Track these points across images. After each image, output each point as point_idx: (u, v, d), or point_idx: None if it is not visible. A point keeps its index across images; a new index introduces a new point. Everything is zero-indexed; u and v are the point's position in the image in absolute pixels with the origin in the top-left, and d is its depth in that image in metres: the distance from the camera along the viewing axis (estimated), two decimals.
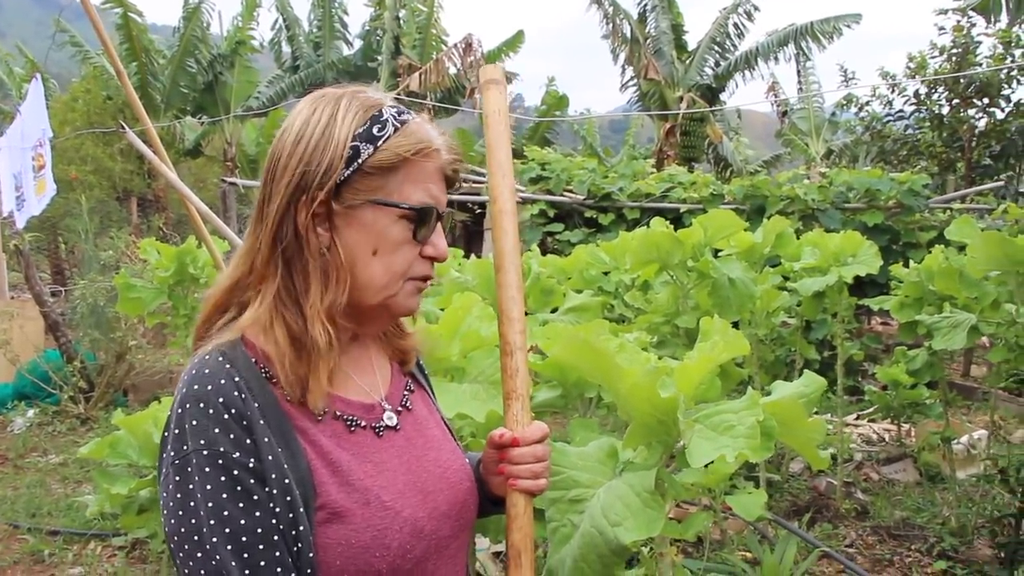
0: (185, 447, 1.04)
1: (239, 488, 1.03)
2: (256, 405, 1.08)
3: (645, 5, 17.69)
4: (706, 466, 1.59)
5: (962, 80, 11.53)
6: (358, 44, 16.91)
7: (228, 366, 1.09)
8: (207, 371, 1.08)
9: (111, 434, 3.45)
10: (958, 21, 11.54)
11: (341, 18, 16.89)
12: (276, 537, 1.03)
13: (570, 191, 9.95)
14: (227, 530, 1.02)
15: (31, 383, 7.86)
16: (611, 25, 17.13)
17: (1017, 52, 11.42)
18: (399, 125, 1.14)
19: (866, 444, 6.21)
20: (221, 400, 1.05)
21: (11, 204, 5.39)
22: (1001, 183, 10.70)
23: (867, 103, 12.97)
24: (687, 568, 3.59)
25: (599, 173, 10.26)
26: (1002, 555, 3.91)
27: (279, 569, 1.03)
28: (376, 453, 1.18)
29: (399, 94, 14.65)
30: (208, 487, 1.02)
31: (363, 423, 1.19)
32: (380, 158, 1.12)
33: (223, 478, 1.03)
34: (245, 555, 1.02)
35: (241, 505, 1.03)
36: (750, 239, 4.28)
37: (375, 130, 1.13)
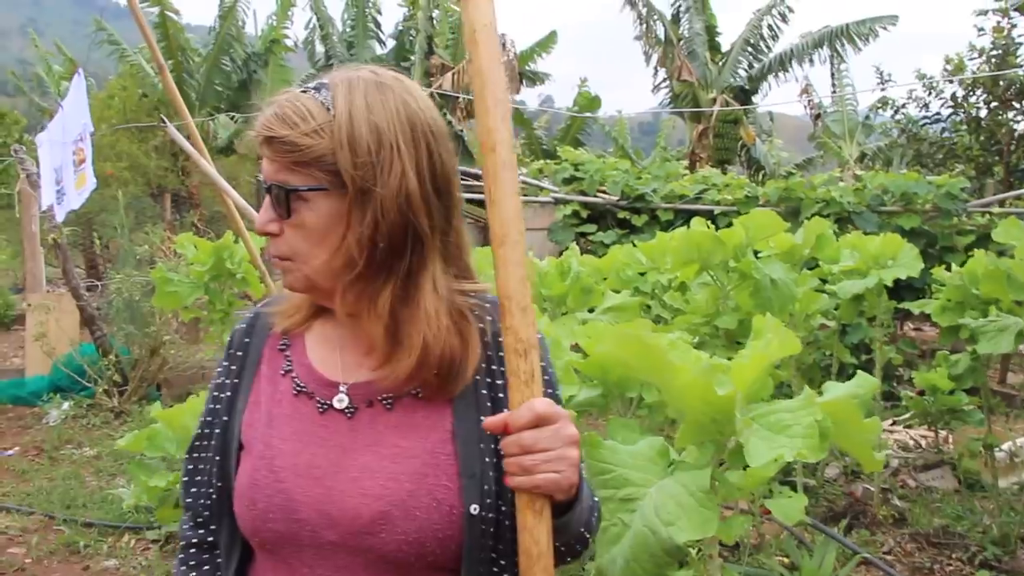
0: None
1: (209, 394, 1.30)
2: (247, 340, 1.28)
3: (679, 6, 17.61)
4: (746, 468, 1.57)
5: (1001, 82, 11.37)
6: (391, 44, 17.01)
7: (252, 315, 1.33)
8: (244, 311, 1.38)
9: (148, 427, 3.49)
10: (998, 22, 11.39)
11: (375, 17, 16.93)
12: (212, 441, 1.26)
13: (603, 192, 9.92)
14: (199, 419, 1.30)
15: (66, 376, 7.94)
16: (644, 26, 17.07)
17: None
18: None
19: (902, 450, 6.12)
20: (232, 332, 1.32)
21: (51, 198, 5.45)
22: None
23: (903, 106, 12.84)
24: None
25: (632, 174, 10.21)
26: None
27: (207, 466, 1.27)
28: (308, 425, 1.18)
29: (432, 94, 14.69)
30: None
31: (307, 390, 1.21)
32: None
33: (217, 368, 1.31)
34: (195, 436, 1.31)
35: (205, 395, 1.31)
36: (790, 240, 4.23)
37: None
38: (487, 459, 1.15)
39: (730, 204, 9.33)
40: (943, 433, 6.13)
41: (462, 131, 15.70)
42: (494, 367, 1.20)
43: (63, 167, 5.41)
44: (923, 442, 6.30)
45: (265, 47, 15.63)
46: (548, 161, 12.02)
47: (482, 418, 1.14)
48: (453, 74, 14.55)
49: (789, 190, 9.32)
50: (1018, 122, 11.76)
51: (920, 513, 4.83)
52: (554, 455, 1.03)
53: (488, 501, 1.13)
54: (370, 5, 16.74)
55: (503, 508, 1.15)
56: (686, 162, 14.78)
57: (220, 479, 1.22)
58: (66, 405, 7.66)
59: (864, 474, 5.43)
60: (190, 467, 1.31)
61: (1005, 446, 5.35)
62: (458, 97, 15.18)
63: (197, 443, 1.30)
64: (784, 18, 17.35)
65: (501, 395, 1.18)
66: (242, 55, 15.62)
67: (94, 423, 7.40)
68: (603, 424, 2.76)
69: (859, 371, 1.90)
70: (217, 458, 1.23)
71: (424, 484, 1.13)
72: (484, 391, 1.19)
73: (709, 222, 3.96)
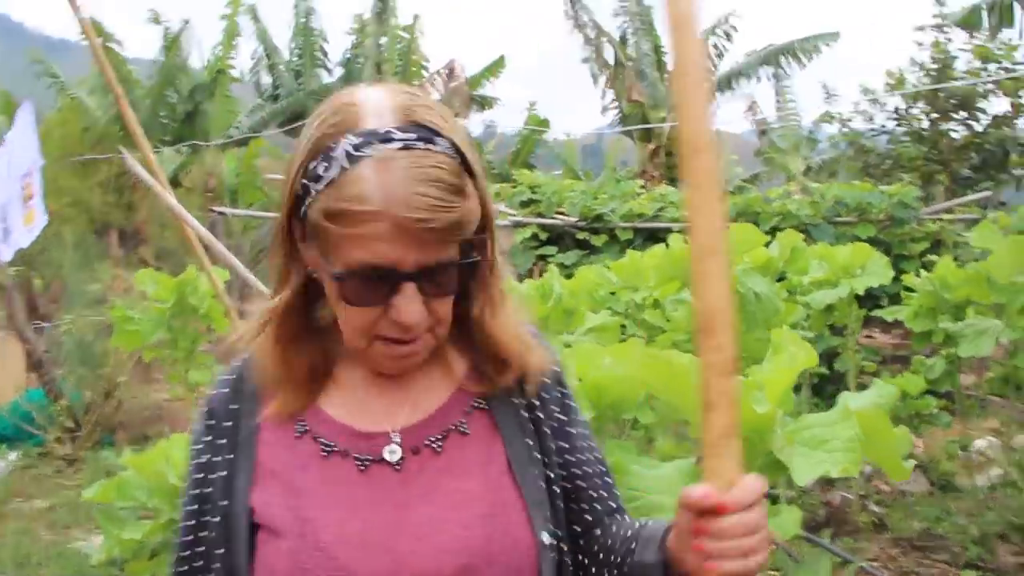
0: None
1: (190, 468, 1.09)
2: (235, 408, 1.08)
3: (626, 28, 17.80)
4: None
5: (941, 94, 11.67)
6: (339, 72, 16.93)
7: (231, 376, 1.12)
8: (221, 372, 1.14)
9: (117, 475, 3.33)
10: (936, 37, 11.71)
11: (322, 46, 16.85)
12: (210, 533, 1.05)
13: (562, 213, 9.94)
14: (185, 510, 1.09)
15: (12, 424, 7.61)
16: (593, 48, 17.22)
17: (992, 66, 11.58)
18: (347, 165, 0.91)
19: None
20: (208, 399, 1.11)
21: None
22: (988, 193, 10.79)
23: (849, 119, 13.11)
24: None
25: (589, 194, 10.26)
26: None
27: (206, 563, 1.06)
28: (347, 487, 1.02)
29: None
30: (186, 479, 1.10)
31: (339, 449, 1.04)
32: (312, 209, 0.94)
33: (190, 455, 1.10)
34: (183, 536, 1.09)
35: (184, 485, 1.10)
36: (766, 254, 4.24)
37: (321, 169, 0.93)
38: (541, 484, 1.09)
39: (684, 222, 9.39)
40: (913, 437, 6.20)
41: None
42: (527, 386, 1.12)
43: (9, 203, 5.22)
44: None
45: (211, 77, 15.44)
46: (504, 184, 12.02)
47: (529, 441, 1.10)
48: None
49: (746, 205, 9.42)
50: (958, 132, 12.06)
51: (899, 518, 4.85)
52: (766, 536, 0.89)
53: (551, 527, 1.08)
54: (316, 34, 16.66)
55: (561, 533, 1.09)
56: (642, 181, 14.90)
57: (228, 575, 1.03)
58: (13, 455, 7.34)
59: (840, 482, 5.45)
60: (183, 569, 1.08)
61: (976, 445, 5.42)
62: None
63: (189, 540, 1.07)
64: (729, 37, 17.64)
65: (540, 415, 1.13)
66: (187, 86, 15.41)
67: (45, 472, 7.09)
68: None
69: (875, 380, 1.88)
70: (220, 551, 1.04)
71: (498, 525, 1.04)
72: (525, 413, 1.12)
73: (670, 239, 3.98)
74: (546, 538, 1.06)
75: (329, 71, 17.09)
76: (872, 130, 12.86)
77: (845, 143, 13.26)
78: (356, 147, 0.91)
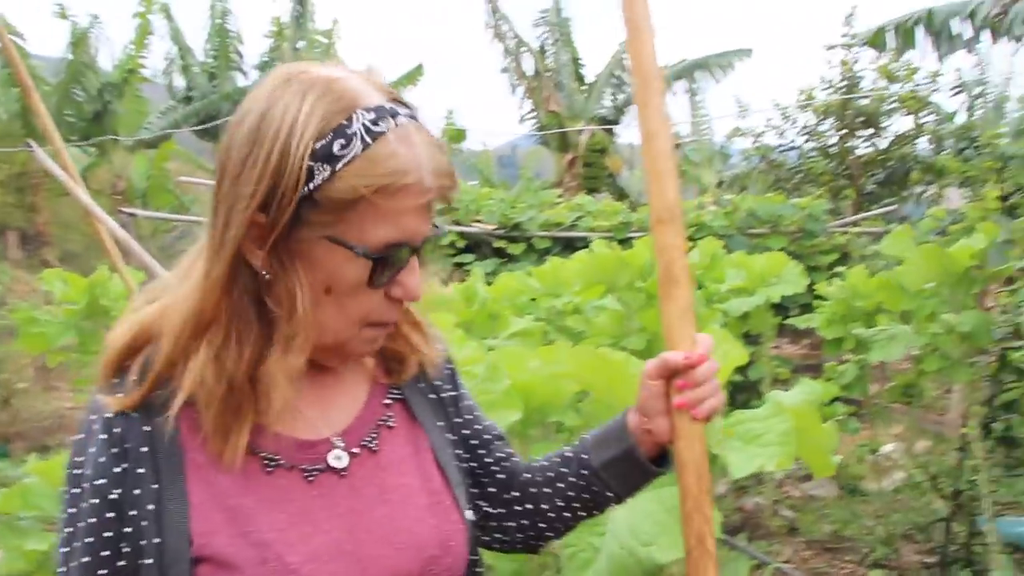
0: (73, 459, 0.96)
1: (92, 520, 0.92)
2: (148, 429, 0.94)
3: (545, 39, 17.95)
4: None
5: (848, 112, 12.08)
6: (255, 75, 16.61)
7: (132, 377, 0.97)
8: (116, 380, 0.98)
9: (20, 483, 3.19)
10: (844, 56, 12.12)
11: (237, 48, 16.48)
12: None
13: (479, 221, 9.94)
14: (83, 560, 0.93)
15: None
16: (512, 58, 17.30)
17: (896, 86, 12.06)
18: (369, 141, 0.88)
19: None
20: (105, 421, 0.94)
21: None
22: (892, 208, 11.22)
23: (761, 134, 13.45)
24: None
25: (507, 203, 10.29)
26: (930, 560, 4.03)
27: None
28: (296, 501, 0.97)
29: None
30: (72, 510, 0.94)
31: (283, 462, 0.98)
32: (336, 188, 0.88)
33: (82, 504, 0.93)
34: None
35: (89, 540, 0.93)
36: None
37: (336, 146, 0.88)
38: (457, 464, 1.13)
39: (605, 230, 9.51)
40: None
41: None
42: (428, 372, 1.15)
43: None
44: None
45: (121, 77, 14.96)
46: None
47: (440, 423, 1.13)
48: None
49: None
50: (865, 148, 12.50)
51: (809, 521, 4.99)
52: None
53: (469, 505, 1.11)
54: (232, 36, 16.32)
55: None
56: (559, 190, 15.04)
57: None
58: None
59: (752, 488, 5.58)
60: None
61: (883, 450, 5.62)
62: None
63: None
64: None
65: (443, 395, 1.16)
66: (96, 85, 14.89)
67: None
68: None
69: (801, 378, 1.92)
70: None
71: (440, 513, 1.06)
72: (432, 396, 1.15)
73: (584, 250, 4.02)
74: (470, 515, 1.09)
75: (245, 74, 16.74)
76: (783, 145, 13.22)
77: (757, 157, 13.60)
78: (373, 122, 0.89)
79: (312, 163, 0.87)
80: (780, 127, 13.10)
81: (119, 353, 0.98)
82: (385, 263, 0.93)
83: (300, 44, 15.67)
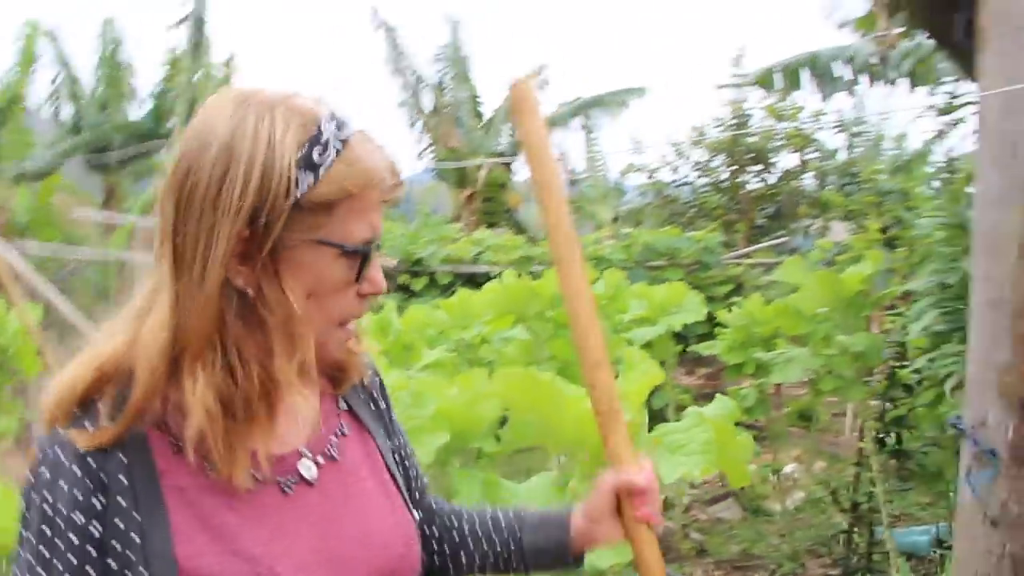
0: (34, 498, 0.93)
1: (71, 557, 0.91)
2: (124, 459, 0.93)
3: (443, 75, 18.13)
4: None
5: (739, 148, 12.60)
6: (148, 106, 16.20)
7: (104, 410, 0.94)
8: (78, 414, 0.95)
9: None
10: (733, 96, 12.67)
11: (130, 79, 16.12)
12: None
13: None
14: None
15: None
16: (411, 93, 17.40)
17: (783, 125, 12.66)
18: (340, 147, 0.95)
19: (691, 487, 6.50)
20: (75, 453, 0.92)
21: None
22: (782, 240, 11.72)
23: (656, 170, 13.87)
24: None
25: (408, 238, 10.32)
26: (834, 572, 4.22)
27: None
28: (278, 514, 0.99)
29: None
30: (43, 550, 0.91)
31: (260, 477, 0.99)
32: (322, 192, 0.94)
33: (57, 542, 0.91)
34: None
35: (88, 572, 0.91)
36: (592, 291, 4.44)
37: (315, 154, 0.93)
38: (399, 466, 1.19)
39: (506, 264, 9.64)
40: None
41: None
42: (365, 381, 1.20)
43: None
44: (706, 478, 6.73)
45: (4, 104, 14.39)
46: None
47: (381, 430, 1.18)
48: None
49: None
50: (755, 184, 13.03)
51: (718, 543, 5.14)
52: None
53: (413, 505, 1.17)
54: (125, 65, 15.92)
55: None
56: (460, 225, 15.13)
57: None
58: None
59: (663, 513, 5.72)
60: None
61: (784, 471, 5.84)
62: None
63: None
64: (542, 88, 18.28)
65: (379, 404, 1.21)
66: None
67: None
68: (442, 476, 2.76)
69: (717, 395, 2.02)
70: None
71: (398, 512, 1.11)
72: (371, 405, 1.20)
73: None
74: (416, 515, 1.15)
75: (138, 105, 16.36)
76: (676, 181, 13.66)
77: (652, 192, 14.00)
78: (338, 129, 0.96)
79: (297, 172, 0.92)
80: (674, 163, 13.54)
81: (83, 390, 0.95)
82: (365, 258, 0.99)
83: (196, 76, 15.38)
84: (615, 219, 19.04)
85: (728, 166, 12.96)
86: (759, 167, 12.83)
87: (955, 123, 3.36)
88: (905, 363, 3.92)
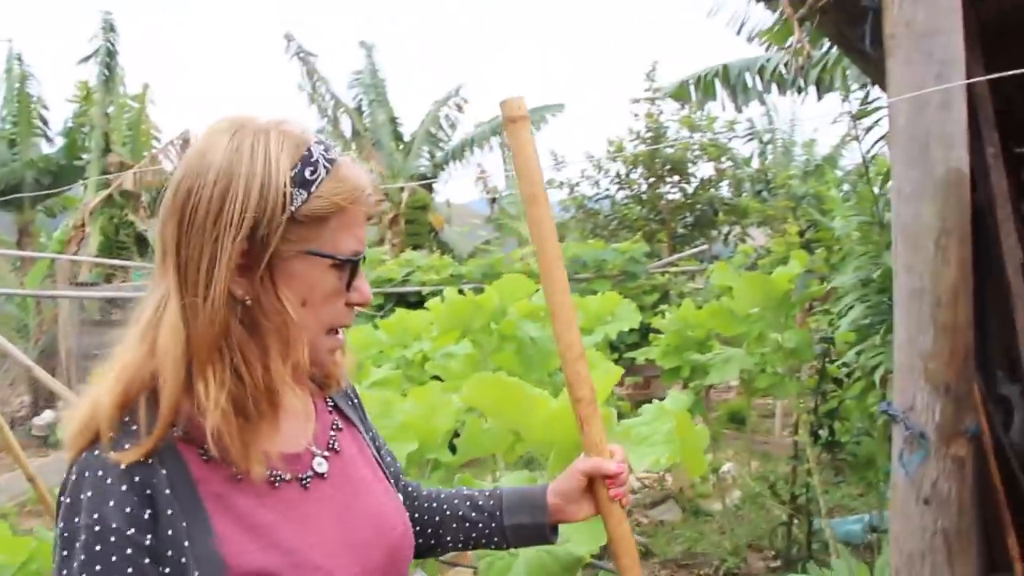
0: (76, 519, 0.97)
1: (129, 571, 0.95)
2: (164, 472, 0.99)
3: (360, 99, 18.13)
4: None
5: (656, 160, 12.89)
6: (60, 141, 15.78)
7: (135, 427, 1.00)
8: (111, 434, 0.99)
9: None
10: (648, 109, 12.96)
11: (40, 113, 15.62)
12: None
13: None
14: None
15: None
16: (329, 119, 17.35)
17: (697, 135, 13.00)
18: (329, 167, 1.06)
19: (632, 492, 6.63)
20: (122, 466, 0.97)
21: None
22: (704, 247, 12.02)
23: (576, 184, 14.08)
24: None
25: None
26: (775, 564, 4.37)
27: None
28: (303, 508, 1.08)
29: (111, 193, 13.86)
30: (97, 567, 0.95)
31: (287, 476, 1.09)
32: (315, 206, 1.04)
33: (113, 558, 0.95)
34: None
35: None
36: (529, 303, 4.53)
37: (307, 173, 1.04)
38: (382, 457, 1.29)
39: (436, 283, 9.69)
40: (661, 473, 6.76)
41: (146, 230, 14.91)
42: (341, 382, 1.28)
43: None
44: (646, 481, 6.88)
45: None
46: None
47: (361, 425, 1.29)
48: (135, 173, 13.82)
49: (491, 266, 9.90)
50: (673, 194, 13.33)
51: (662, 543, 5.27)
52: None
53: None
54: (35, 100, 15.49)
55: None
56: (386, 247, 15.11)
57: None
58: None
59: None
60: None
61: (724, 469, 6.01)
62: (140, 195, 14.44)
63: None
64: (460, 108, 18.43)
65: (356, 403, 1.32)
66: None
67: None
68: None
69: (670, 391, 2.13)
70: None
71: (392, 495, 1.23)
72: (350, 403, 1.30)
73: (418, 304, 4.19)
74: (400, 499, 1.26)
75: (50, 140, 15.90)
76: (597, 194, 13.87)
77: (574, 207, 14.20)
78: (326, 150, 1.07)
79: (291, 189, 1.02)
80: (593, 177, 13.77)
81: (117, 410, 1.01)
82: (354, 269, 1.09)
83: (110, 109, 15.06)
84: None
85: (647, 178, 13.24)
86: (677, 178, 13.14)
87: (869, 128, 3.55)
88: (833, 358, 4.10)
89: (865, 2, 2.92)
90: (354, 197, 1.07)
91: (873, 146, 3.67)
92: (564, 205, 14.32)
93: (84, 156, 15.36)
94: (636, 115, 13.12)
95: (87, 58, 15.18)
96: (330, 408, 1.24)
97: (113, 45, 15.21)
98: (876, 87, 3.68)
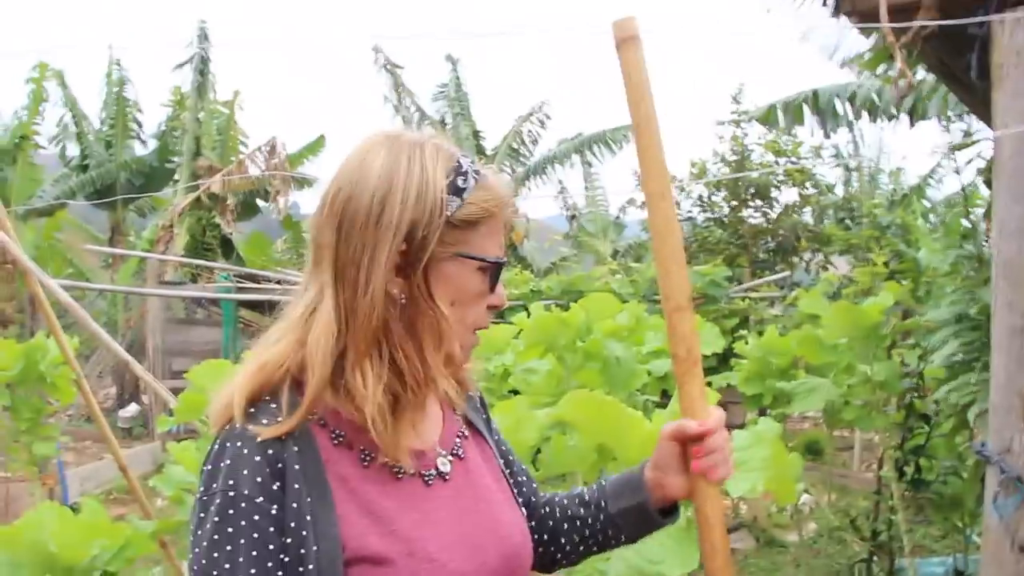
0: (214, 485, 1.05)
1: (255, 535, 1.03)
2: (296, 449, 1.07)
3: (445, 113, 18.35)
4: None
5: (740, 183, 12.75)
6: (153, 144, 16.33)
7: (274, 406, 1.09)
8: (252, 411, 1.09)
9: None
10: (734, 132, 12.84)
11: (135, 117, 16.17)
12: None
13: None
14: (251, 573, 1.02)
15: None
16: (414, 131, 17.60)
17: (782, 160, 12.84)
18: (477, 177, 1.14)
19: None
20: (259, 439, 1.06)
21: None
22: (786, 274, 11.85)
23: None
24: None
25: None
26: None
27: None
28: (424, 502, 1.14)
29: (200, 196, 14.28)
30: (228, 529, 1.03)
31: (411, 471, 1.15)
32: (468, 212, 1.12)
33: (242, 523, 1.03)
34: None
35: (255, 553, 1.03)
36: (615, 322, 4.53)
37: (459, 182, 1.12)
38: (506, 469, 1.32)
39: (515, 299, 9.76)
40: (735, 499, 6.67)
41: (231, 233, 15.32)
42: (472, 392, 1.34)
43: None
44: None
45: (13, 142, 14.52)
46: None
47: (489, 436, 1.32)
48: (223, 176, 14.22)
49: (571, 284, 9.93)
50: (756, 218, 13.17)
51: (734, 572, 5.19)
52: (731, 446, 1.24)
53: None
54: (130, 104, 16.06)
55: None
56: None
57: None
58: None
59: None
60: None
61: (801, 501, 5.91)
62: (227, 199, 14.85)
63: None
64: (543, 124, 18.52)
65: (484, 413, 1.36)
66: None
67: None
68: None
69: (761, 417, 2.11)
70: None
71: (514, 507, 1.27)
72: (477, 412, 1.34)
73: (499, 317, 4.22)
74: (523, 512, 1.29)
75: (143, 142, 16.46)
76: (678, 216, 13.78)
77: None
78: (472, 163, 1.15)
79: (447, 195, 1.10)
80: (675, 198, 13.68)
81: (257, 389, 1.10)
82: (498, 272, 1.16)
83: (201, 114, 15.52)
84: (614, 254, 19.21)
85: (729, 201, 13.10)
86: (760, 202, 12.98)
87: (969, 161, 3.47)
88: (921, 393, 4.01)
89: (973, 31, 2.85)
90: (501, 203, 1.16)
91: (972, 179, 3.59)
92: (644, 226, 14.23)
93: (175, 159, 15.82)
94: (721, 137, 13.01)
95: (181, 64, 15.67)
96: (458, 416, 1.29)
97: (207, 53, 15.69)
98: (975, 117, 3.61)
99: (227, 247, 15.31)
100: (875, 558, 4.27)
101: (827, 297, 7.18)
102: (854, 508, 5.27)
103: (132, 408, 11.14)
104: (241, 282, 12.50)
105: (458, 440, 1.25)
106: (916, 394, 3.98)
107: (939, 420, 3.72)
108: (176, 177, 15.61)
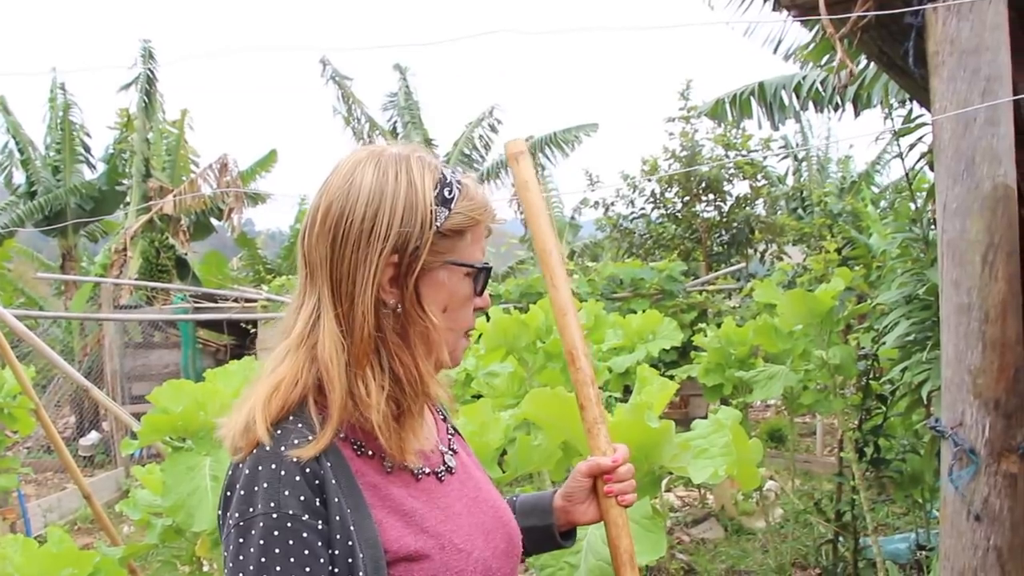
0: (252, 509, 1.06)
1: (306, 552, 1.05)
2: (329, 464, 1.10)
3: (395, 121, 18.30)
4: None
5: (692, 179, 12.89)
6: (101, 167, 16.05)
7: (300, 425, 1.12)
8: (279, 432, 1.10)
9: None
10: (683, 128, 12.96)
11: (83, 140, 15.94)
12: None
13: None
14: None
15: None
16: (364, 142, 17.52)
17: (732, 153, 12.99)
18: (460, 187, 1.20)
19: (671, 511, 6.62)
20: (295, 460, 1.07)
21: None
22: (741, 266, 11.99)
23: (612, 204, 14.10)
24: None
25: None
26: None
27: None
28: (442, 498, 1.21)
29: (152, 218, 14.10)
30: (276, 551, 1.04)
31: (427, 470, 1.22)
32: (455, 222, 1.18)
33: (290, 542, 1.05)
34: None
35: (308, 569, 1.05)
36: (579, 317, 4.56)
37: (446, 193, 1.18)
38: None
39: None
40: (703, 490, 6.74)
41: (186, 254, 15.14)
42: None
43: None
44: (687, 500, 6.87)
45: None
46: (289, 277, 11.94)
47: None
48: (175, 196, 14.05)
49: (529, 286, 9.96)
50: (709, 212, 13.31)
51: (704, 561, 5.26)
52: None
53: None
54: (77, 128, 15.79)
55: None
56: None
57: None
58: None
59: None
60: None
61: (767, 487, 5.99)
62: (180, 219, 14.68)
63: None
64: (494, 129, 18.53)
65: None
66: None
67: None
68: None
69: (722, 406, 2.15)
70: None
71: (502, 496, 1.37)
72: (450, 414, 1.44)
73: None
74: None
75: (92, 167, 16.19)
76: (633, 213, 13.88)
77: (609, 226, 14.21)
78: (454, 173, 1.21)
79: (435, 207, 1.16)
80: (628, 196, 13.78)
81: (277, 410, 1.12)
82: (486, 276, 1.22)
83: (150, 135, 15.32)
84: (571, 254, 19.29)
85: (682, 197, 13.23)
86: (712, 196, 13.12)
87: (912, 145, 3.56)
88: (877, 375, 4.09)
89: (908, 20, 2.92)
90: (485, 211, 1.22)
91: (916, 163, 3.67)
92: (599, 225, 14.34)
93: (125, 182, 15.57)
94: (671, 134, 13.13)
95: (127, 85, 15.44)
96: (442, 417, 1.38)
97: (153, 72, 15.48)
98: (916, 103, 3.69)
99: (182, 268, 15.14)
100: (840, 538, 4.35)
101: (782, 286, 7.31)
102: (818, 492, 5.36)
103: (93, 436, 10.95)
104: (198, 302, 12.36)
105: (449, 437, 1.34)
106: (872, 376, 4.06)
107: (895, 400, 3.80)
108: (127, 200, 15.38)
